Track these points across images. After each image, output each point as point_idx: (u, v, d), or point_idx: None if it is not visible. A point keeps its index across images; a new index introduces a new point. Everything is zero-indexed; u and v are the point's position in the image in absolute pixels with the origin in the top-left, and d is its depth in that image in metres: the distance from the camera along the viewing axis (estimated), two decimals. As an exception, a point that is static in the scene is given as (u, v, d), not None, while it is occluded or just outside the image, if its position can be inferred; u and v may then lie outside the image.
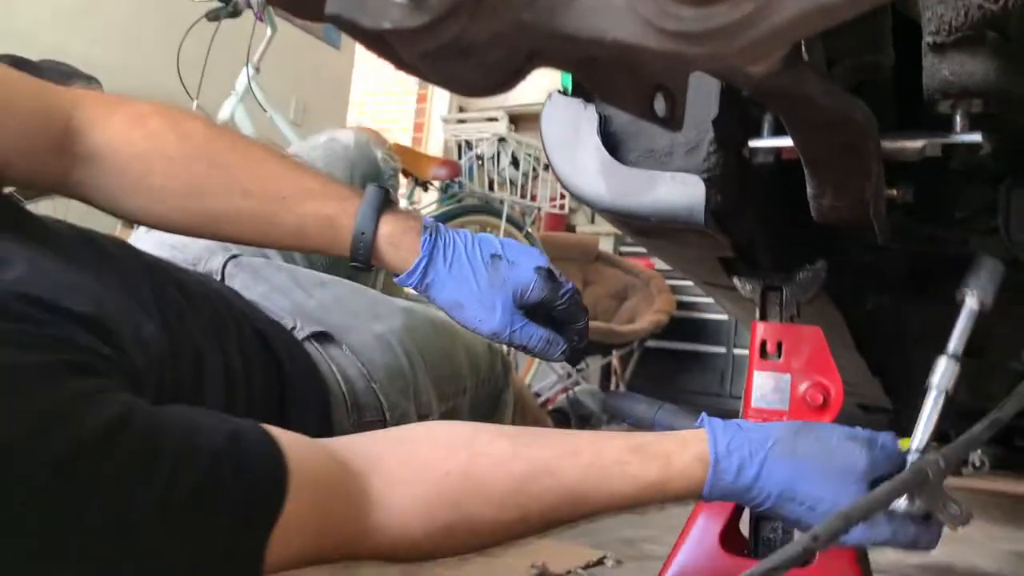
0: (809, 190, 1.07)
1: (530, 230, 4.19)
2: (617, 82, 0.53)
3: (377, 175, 1.75)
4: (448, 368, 1.51)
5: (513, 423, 1.76)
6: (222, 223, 1.02)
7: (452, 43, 0.45)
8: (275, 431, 0.75)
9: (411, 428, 0.95)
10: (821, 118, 0.76)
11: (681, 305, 5.68)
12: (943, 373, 1.01)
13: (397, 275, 1.08)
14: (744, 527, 1.24)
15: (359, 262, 1.06)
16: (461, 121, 4.53)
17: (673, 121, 0.59)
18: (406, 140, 5.98)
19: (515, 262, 1.09)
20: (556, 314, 1.12)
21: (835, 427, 0.94)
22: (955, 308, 1.63)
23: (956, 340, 1.03)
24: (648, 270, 5.64)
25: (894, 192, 1.08)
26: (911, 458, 0.94)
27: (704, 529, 1.20)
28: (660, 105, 0.59)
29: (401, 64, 0.49)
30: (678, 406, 1.58)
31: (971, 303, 1.05)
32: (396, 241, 1.06)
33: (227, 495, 0.65)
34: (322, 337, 1.28)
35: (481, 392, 1.60)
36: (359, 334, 1.34)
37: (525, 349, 1.10)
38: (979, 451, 6.58)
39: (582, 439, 0.90)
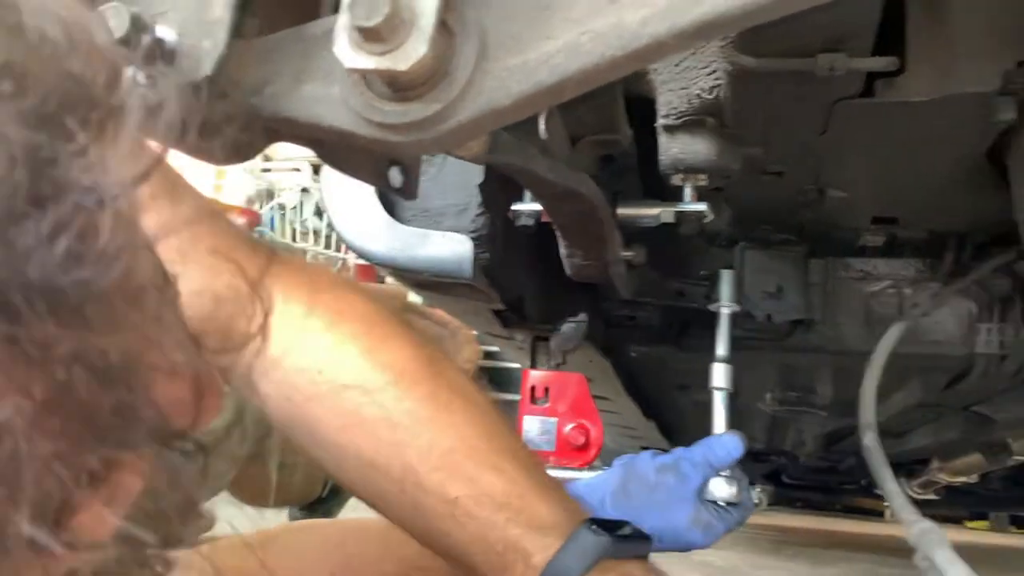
0: (562, 250, 1.20)
1: (334, 281, 4.19)
2: (352, 157, 0.60)
3: None
4: None
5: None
6: (390, 511, 0.74)
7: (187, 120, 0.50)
8: None
9: (275, 537, 0.92)
10: (551, 190, 0.87)
11: (488, 355, 5.83)
12: (720, 376, 1.17)
13: None
14: None
15: None
16: (265, 170, 4.50)
17: (408, 191, 0.67)
18: (207, 188, 5.83)
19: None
20: None
21: (649, 462, 1.03)
22: (706, 356, 1.83)
23: (723, 346, 1.19)
24: (456, 321, 5.75)
25: (630, 253, 1.22)
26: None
27: None
28: (396, 177, 0.67)
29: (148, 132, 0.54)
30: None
31: (724, 311, 1.20)
32: None
33: None
34: None
35: None
36: None
37: None
38: (757, 489, 7.16)
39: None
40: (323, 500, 2.13)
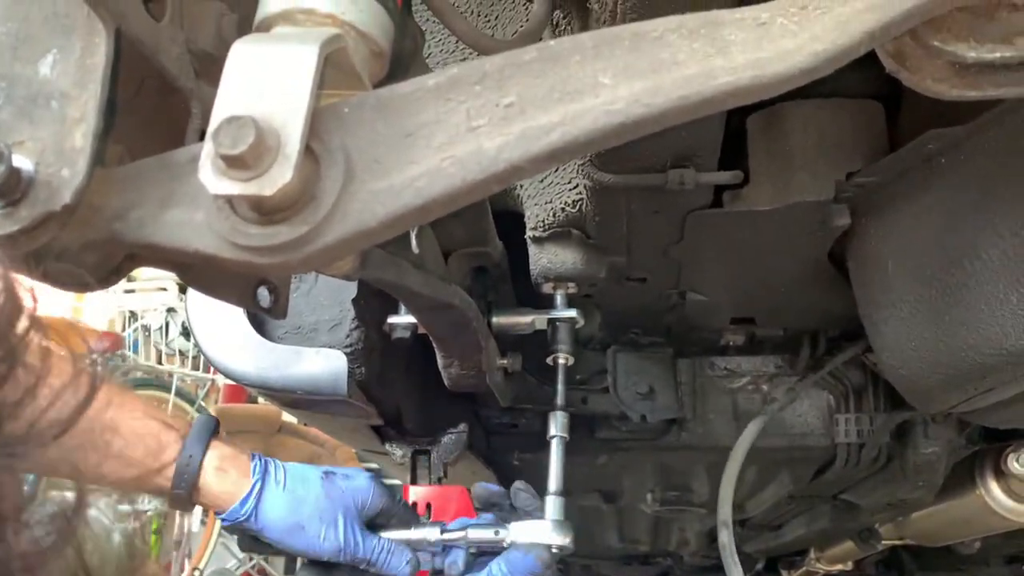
0: (440, 361, 1.20)
1: (203, 404, 4.03)
2: (217, 279, 0.60)
3: None
4: None
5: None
6: None
7: (46, 248, 0.49)
8: None
9: None
10: (425, 303, 0.89)
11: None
12: (557, 425, 1.23)
13: (221, 512, 0.99)
14: None
15: (181, 490, 0.96)
16: (129, 291, 4.34)
17: (277, 310, 0.67)
18: (64, 310, 5.55)
19: (349, 475, 1.07)
20: (394, 522, 1.10)
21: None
22: (590, 458, 1.84)
23: (560, 395, 1.25)
24: (333, 440, 5.59)
25: (506, 361, 1.24)
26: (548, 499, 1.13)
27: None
28: (265, 296, 0.66)
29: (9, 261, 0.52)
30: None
31: (562, 360, 1.27)
32: (225, 466, 0.98)
33: None
34: None
35: None
36: None
37: (369, 565, 1.05)
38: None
39: None
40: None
